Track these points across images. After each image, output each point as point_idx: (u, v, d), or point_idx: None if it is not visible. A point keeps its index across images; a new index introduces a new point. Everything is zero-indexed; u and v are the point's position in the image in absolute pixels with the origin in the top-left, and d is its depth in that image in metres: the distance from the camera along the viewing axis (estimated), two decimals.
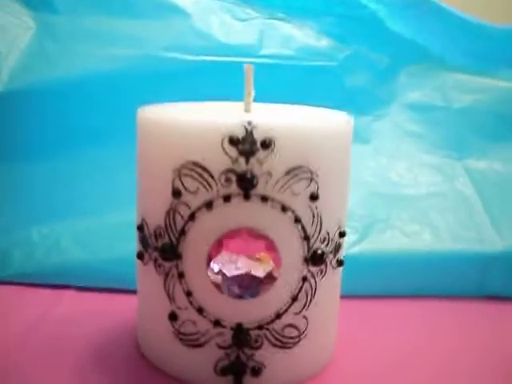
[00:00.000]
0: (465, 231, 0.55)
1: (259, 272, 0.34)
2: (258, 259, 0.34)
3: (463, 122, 0.65)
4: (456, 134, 0.64)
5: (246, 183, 0.33)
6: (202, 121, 0.34)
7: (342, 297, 0.41)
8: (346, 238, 0.39)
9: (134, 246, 0.40)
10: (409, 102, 0.66)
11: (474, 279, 0.53)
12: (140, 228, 0.38)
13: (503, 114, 0.65)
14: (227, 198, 0.34)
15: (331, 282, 0.38)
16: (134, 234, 0.39)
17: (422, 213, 0.56)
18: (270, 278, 0.34)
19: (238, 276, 0.34)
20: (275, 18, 0.65)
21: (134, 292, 0.41)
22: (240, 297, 0.35)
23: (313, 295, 0.37)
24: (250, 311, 0.36)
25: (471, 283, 0.53)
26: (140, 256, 0.38)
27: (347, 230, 0.39)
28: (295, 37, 0.64)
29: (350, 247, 0.52)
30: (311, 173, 0.34)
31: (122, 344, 0.42)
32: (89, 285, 0.51)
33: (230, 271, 0.34)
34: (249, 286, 0.34)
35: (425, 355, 0.42)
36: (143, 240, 0.38)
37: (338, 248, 0.38)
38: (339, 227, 0.38)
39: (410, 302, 0.52)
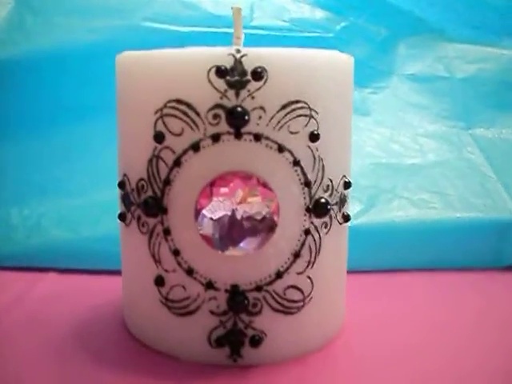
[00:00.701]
0: (477, 199, 0.51)
1: (256, 216, 0.29)
2: (253, 205, 0.30)
3: (468, 91, 0.62)
4: (461, 103, 0.61)
5: (237, 120, 0.29)
6: (183, 52, 0.30)
7: (348, 272, 0.37)
8: (350, 208, 0.35)
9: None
10: (410, 74, 0.63)
11: (491, 249, 0.49)
12: (121, 185, 0.34)
13: (508, 82, 0.62)
14: (216, 138, 0.30)
15: (337, 239, 0.34)
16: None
17: (430, 181, 0.52)
18: (268, 224, 0.30)
19: (232, 224, 0.29)
20: None
21: (119, 272, 0.37)
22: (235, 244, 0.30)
23: (317, 252, 0.32)
24: (247, 270, 0.31)
25: (488, 253, 0.49)
26: (122, 217, 0.34)
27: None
28: (288, 8, 0.61)
29: (355, 218, 0.48)
30: (310, 109, 0.30)
31: (106, 322, 0.39)
32: (72, 266, 0.46)
33: (222, 217, 0.29)
34: (245, 234, 0.30)
35: (437, 330, 0.38)
36: (125, 198, 0.33)
37: (343, 200, 0.34)
38: (344, 176, 0.33)
39: (421, 275, 0.48)
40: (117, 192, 0.36)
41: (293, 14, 0.61)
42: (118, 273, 0.38)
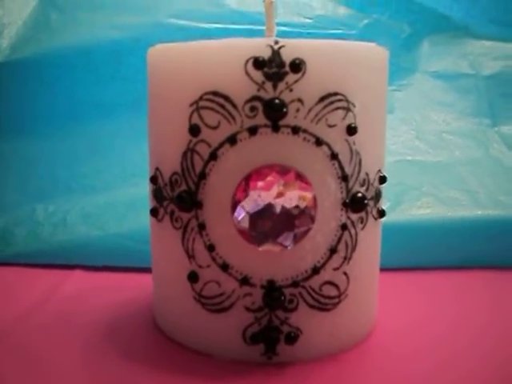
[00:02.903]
0: (506, 196, 0.50)
1: (293, 210, 0.29)
2: (291, 199, 0.29)
3: (493, 88, 0.61)
4: (486, 100, 0.60)
5: (275, 112, 0.29)
6: (220, 43, 0.29)
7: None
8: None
9: (147, 220, 0.35)
10: (433, 71, 0.62)
11: None
12: (153, 179, 0.33)
13: None
14: (253, 131, 0.29)
15: (372, 234, 0.33)
16: (146, 208, 0.35)
17: (457, 179, 0.52)
18: (305, 219, 0.29)
19: (269, 218, 0.29)
20: None
21: (148, 270, 0.36)
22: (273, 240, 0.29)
23: (353, 247, 0.32)
24: (283, 265, 0.31)
25: None
26: (154, 212, 0.33)
27: None
28: (312, 5, 0.61)
29: None
30: (347, 101, 0.30)
31: (135, 319, 0.38)
32: (98, 263, 0.46)
33: (259, 211, 0.29)
34: (282, 228, 0.29)
35: (471, 330, 0.38)
36: (157, 193, 0.33)
37: (378, 195, 0.33)
38: (379, 170, 0.33)
39: (449, 273, 0.47)
40: (143, 189, 0.35)
41: (316, 10, 0.60)
42: (144, 270, 0.38)
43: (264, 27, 0.37)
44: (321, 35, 0.59)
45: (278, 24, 0.61)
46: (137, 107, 0.45)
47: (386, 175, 0.34)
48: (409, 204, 0.49)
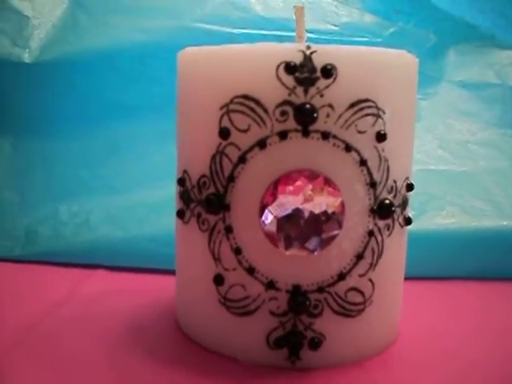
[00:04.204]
0: None
1: (321, 215, 0.29)
2: (319, 204, 0.29)
3: None
4: None
5: (305, 117, 0.29)
6: (252, 48, 0.30)
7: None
8: None
9: (168, 222, 0.35)
10: (459, 80, 0.62)
11: None
12: (181, 181, 0.33)
13: None
14: (283, 135, 0.29)
15: (398, 242, 0.33)
16: (168, 210, 0.35)
17: (481, 189, 0.51)
18: (333, 224, 0.29)
19: (297, 222, 0.29)
20: None
21: (169, 272, 0.36)
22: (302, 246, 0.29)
23: (379, 254, 0.32)
24: (310, 270, 0.31)
25: None
26: (180, 214, 0.34)
27: None
28: (338, 13, 0.61)
29: None
30: (378, 108, 0.30)
31: (157, 320, 0.38)
32: (120, 264, 0.46)
33: (286, 216, 0.29)
34: (309, 233, 0.29)
35: (494, 341, 0.37)
36: (184, 195, 0.33)
37: (405, 203, 0.33)
38: (407, 178, 0.33)
39: (473, 283, 0.47)
40: (165, 191, 0.36)
41: (342, 18, 0.61)
42: (166, 272, 0.38)
43: (290, 33, 0.37)
44: (346, 43, 0.59)
45: (305, 31, 0.61)
46: (160, 110, 0.45)
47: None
48: (433, 213, 0.49)
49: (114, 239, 0.48)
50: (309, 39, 0.60)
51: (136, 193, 0.51)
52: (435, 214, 0.49)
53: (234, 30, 0.56)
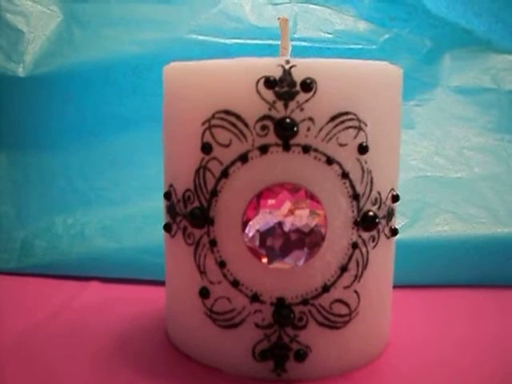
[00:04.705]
0: None
1: (304, 228, 0.29)
2: (301, 218, 0.29)
3: None
4: (508, 116, 0.59)
5: (285, 131, 0.29)
6: (232, 63, 0.30)
7: (393, 287, 0.36)
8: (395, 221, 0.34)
9: (162, 235, 0.35)
10: (455, 86, 0.62)
11: None
12: (167, 195, 0.34)
13: None
14: (264, 149, 0.29)
15: (384, 253, 0.33)
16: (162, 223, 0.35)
17: (477, 196, 0.51)
18: (316, 237, 0.29)
19: (279, 236, 0.29)
20: (310, 3, 0.62)
21: (163, 283, 0.37)
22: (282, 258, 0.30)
23: (364, 266, 0.32)
24: (293, 283, 0.31)
25: None
26: (167, 227, 0.34)
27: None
28: (332, 20, 0.61)
29: (399, 232, 0.46)
30: (359, 121, 0.30)
31: (148, 332, 0.38)
32: (115, 276, 0.47)
33: (269, 229, 0.29)
34: (292, 246, 0.29)
35: (486, 349, 0.37)
36: (170, 209, 0.33)
37: (390, 214, 0.33)
38: (392, 189, 0.33)
39: (467, 291, 0.46)
40: (160, 203, 0.36)
41: (336, 25, 0.61)
42: (160, 283, 0.38)
43: None
44: (341, 50, 0.59)
45: (298, 39, 0.61)
46: (156, 121, 0.45)
47: (399, 193, 0.34)
48: (427, 220, 0.49)
49: (109, 251, 0.48)
50: (303, 48, 0.61)
51: (131, 204, 0.51)
52: (429, 221, 0.49)
53: (228, 41, 0.56)
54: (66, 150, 0.53)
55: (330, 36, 0.59)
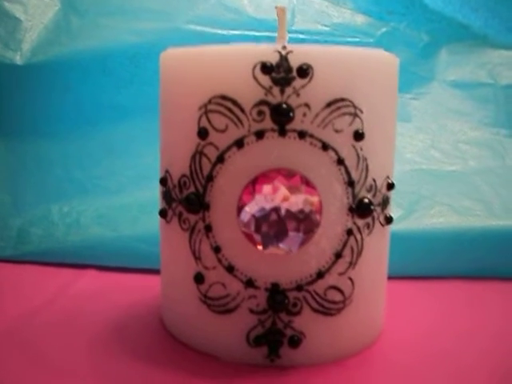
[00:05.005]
0: None
1: (299, 214, 0.29)
2: (296, 203, 0.29)
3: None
4: (504, 110, 0.60)
5: (281, 116, 0.29)
6: (229, 48, 0.30)
7: (388, 278, 0.36)
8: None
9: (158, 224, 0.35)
10: (451, 80, 0.62)
11: None
12: (163, 181, 0.34)
13: None
14: (260, 135, 0.29)
15: (379, 240, 0.33)
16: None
17: (472, 189, 0.51)
18: (310, 223, 0.30)
19: (274, 221, 0.29)
20: None
21: (158, 272, 0.37)
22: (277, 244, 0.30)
23: (359, 253, 0.32)
24: (288, 269, 0.31)
25: None
26: (162, 213, 0.34)
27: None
28: (329, 13, 0.61)
29: (394, 224, 0.47)
30: (355, 107, 0.30)
31: (143, 319, 0.38)
32: (110, 264, 0.47)
33: (264, 215, 0.29)
34: (287, 232, 0.29)
35: (478, 340, 0.37)
36: (166, 194, 0.34)
37: (385, 202, 0.33)
38: (387, 177, 0.33)
39: (462, 283, 0.47)
40: (156, 192, 0.36)
41: (334, 18, 0.61)
42: (155, 272, 0.38)
43: None
44: (338, 43, 0.59)
45: (296, 31, 0.61)
46: (153, 111, 0.45)
47: (395, 182, 0.34)
48: (422, 213, 0.49)
49: (105, 239, 0.48)
50: (300, 40, 0.61)
51: (128, 193, 0.51)
52: (424, 213, 0.49)
53: (226, 32, 0.56)
54: (64, 139, 0.53)
55: (328, 29, 0.59)
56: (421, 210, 0.49)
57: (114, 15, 0.55)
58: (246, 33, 0.56)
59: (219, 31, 0.56)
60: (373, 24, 0.62)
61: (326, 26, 0.59)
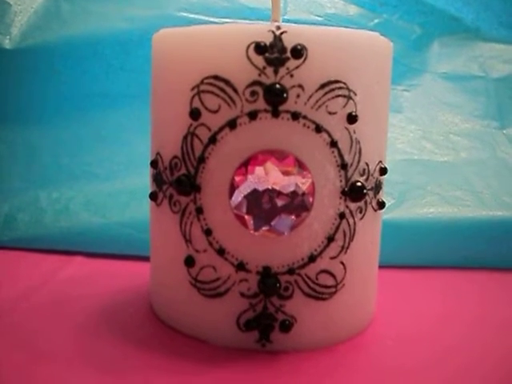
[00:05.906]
0: (511, 198, 0.49)
1: (291, 196, 0.29)
2: (288, 185, 0.29)
3: (502, 91, 0.61)
4: (495, 103, 0.60)
5: (275, 97, 0.29)
6: (223, 28, 0.30)
7: (379, 266, 0.36)
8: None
9: (148, 210, 0.35)
10: (443, 72, 0.62)
11: None
12: (153, 164, 0.33)
13: None
14: (253, 115, 0.29)
15: (371, 225, 0.33)
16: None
17: (462, 179, 0.51)
18: (302, 204, 0.29)
19: (266, 202, 0.29)
20: None
21: (147, 259, 0.36)
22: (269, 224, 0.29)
23: (351, 237, 0.32)
24: (280, 252, 0.31)
25: None
26: (153, 196, 0.34)
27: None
28: (322, 4, 0.61)
29: (385, 212, 0.47)
30: (348, 90, 0.30)
31: (132, 305, 0.38)
32: (99, 250, 0.46)
33: (256, 196, 0.29)
34: (279, 213, 0.29)
35: (469, 328, 0.37)
36: (157, 177, 0.33)
37: (378, 186, 0.33)
38: (380, 162, 0.33)
39: (452, 272, 0.47)
40: (146, 179, 0.35)
41: (326, 9, 0.61)
42: (145, 258, 0.38)
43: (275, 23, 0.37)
44: None
45: (288, 21, 0.61)
46: (143, 98, 0.45)
47: (388, 168, 0.34)
48: (413, 202, 0.49)
49: (94, 226, 0.48)
50: None
51: (117, 180, 0.51)
52: (415, 203, 0.49)
53: (218, 20, 0.56)
54: (52, 125, 0.52)
55: (320, 19, 0.59)
56: (411, 200, 0.49)
57: (105, 1, 0.54)
58: (239, 21, 0.56)
59: (211, 19, 0.55)
60: (365, 15, 0.62)
61: (318, 15, 0.59)
